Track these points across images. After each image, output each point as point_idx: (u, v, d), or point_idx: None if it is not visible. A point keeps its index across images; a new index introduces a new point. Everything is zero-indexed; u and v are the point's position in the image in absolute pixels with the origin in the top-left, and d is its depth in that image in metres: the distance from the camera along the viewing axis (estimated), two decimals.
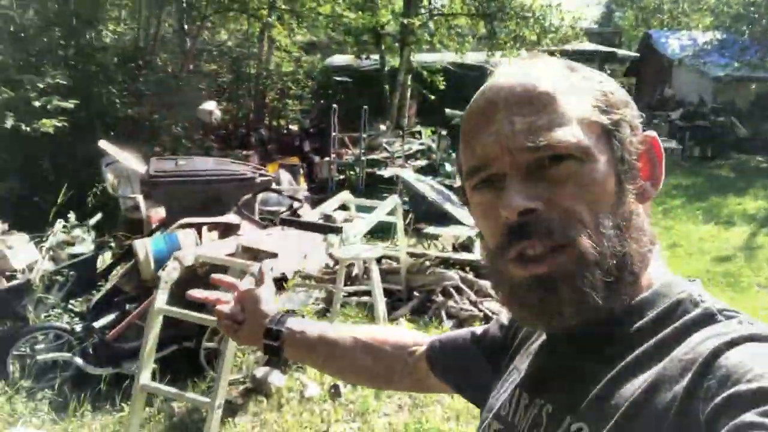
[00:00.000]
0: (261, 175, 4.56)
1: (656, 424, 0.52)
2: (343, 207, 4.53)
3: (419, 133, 11.86)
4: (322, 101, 13.34)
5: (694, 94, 17.01)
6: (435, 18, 13.98)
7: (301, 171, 8.68)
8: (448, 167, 9.10)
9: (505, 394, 0.72)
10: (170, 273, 2.58)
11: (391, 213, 4.37)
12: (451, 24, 13.77)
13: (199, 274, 2.95)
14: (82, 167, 6.96)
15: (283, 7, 9.65)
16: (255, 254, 2.86)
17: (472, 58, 14.50)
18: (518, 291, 0.61)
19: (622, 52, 17.71)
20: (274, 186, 4.83)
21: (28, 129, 6.10)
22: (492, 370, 0.82)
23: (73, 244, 4.50)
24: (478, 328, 0.91)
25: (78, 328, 3.49)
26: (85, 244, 4.54)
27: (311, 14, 9.70)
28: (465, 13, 13.38)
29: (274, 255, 2.76)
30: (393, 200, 4.26)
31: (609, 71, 23.48)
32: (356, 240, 3.68)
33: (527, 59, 0.68)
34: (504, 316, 0.86)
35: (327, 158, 8.57)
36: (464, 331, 0.93)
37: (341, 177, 8.71)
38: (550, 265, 0.58)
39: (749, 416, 0.45)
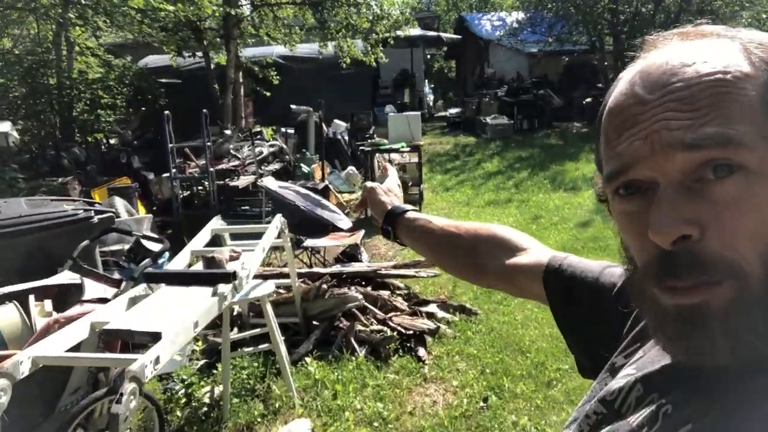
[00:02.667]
0: (98, 211, 3.51)
1: None
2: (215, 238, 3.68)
3: (260, 133, 10.99)
4: (142, 108, 11.78)
5: (511, 71, 18.17)
6: (259, 9, 13.06)
7: (136, 193, 7.39)
8: (305, 168, 8.41)
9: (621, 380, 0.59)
10: None
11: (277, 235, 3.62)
12: (276, 14, 12.96)
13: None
14: None
15: (84, 2, 8.05)
16: (125, 338, 1.99)
17: (303, 49, 13.84)
18: (663, 320, 0.51)
19: (446, 35, 18.34)
20: (117, 224, 3.80)
21: None
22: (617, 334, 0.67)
23: None
24: (617, 274, 0.74)
25: None
26: None
27: (120, 9, 8.21)
28: (291, 2, 12.64)
29: (157, 336, 1.92)
30: (278, 220, 3.50)
31: (429, 55, 24.30)
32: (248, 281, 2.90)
33: (689, 36, 0.52)
34: None
35: (166, 174, 7.35)
36: (598, 270, 0.78)
37: (185, 194, 7.59)
38: (701, 296, 0.47)
39: None
